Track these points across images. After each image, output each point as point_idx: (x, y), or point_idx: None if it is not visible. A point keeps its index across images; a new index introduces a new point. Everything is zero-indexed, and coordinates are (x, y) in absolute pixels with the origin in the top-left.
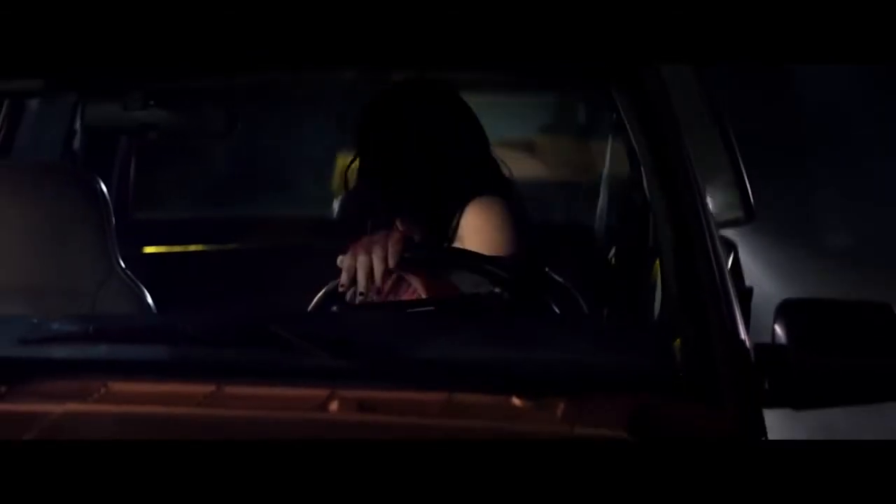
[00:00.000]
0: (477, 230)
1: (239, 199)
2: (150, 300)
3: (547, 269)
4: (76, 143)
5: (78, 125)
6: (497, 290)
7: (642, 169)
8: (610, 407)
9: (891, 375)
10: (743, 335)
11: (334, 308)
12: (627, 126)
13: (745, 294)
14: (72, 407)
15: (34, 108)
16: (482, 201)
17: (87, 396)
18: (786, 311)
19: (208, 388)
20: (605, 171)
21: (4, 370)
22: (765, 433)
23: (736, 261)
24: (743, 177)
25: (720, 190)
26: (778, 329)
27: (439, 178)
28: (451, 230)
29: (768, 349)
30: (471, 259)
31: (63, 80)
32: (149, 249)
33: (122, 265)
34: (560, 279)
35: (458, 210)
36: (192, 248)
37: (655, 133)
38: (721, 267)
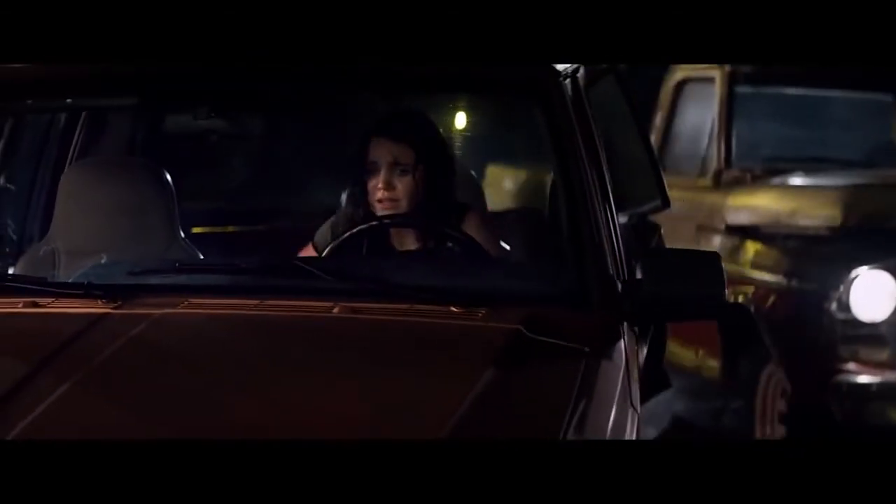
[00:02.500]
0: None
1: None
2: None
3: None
4: (136, 147)
5: (138, 131)
6: (450, 244)
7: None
8: (515, 312)
9: (710, 301)
10: (612, 271)
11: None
12: (541, 131)
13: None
14: (165, 311)
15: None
16: (475, 212)
17: (174, 306)
18: (646, 255)
19: (253, 302)
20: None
21: (120, 291)
22: (621, 336)
23: (659, 237)
24: (660, 172)
25: (641, 182)
26: (639, 267)
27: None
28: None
29: (632, 281)
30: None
31: (152, 97)
32: (196, 230)
33: (182, 235)
34: (504, 242)
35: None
36: (230, 228)
37: (558, 138)
38: (598, 227)
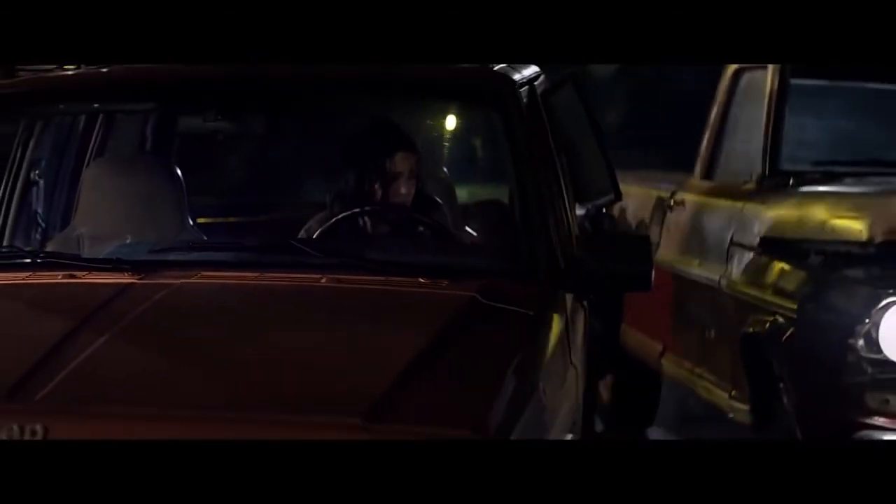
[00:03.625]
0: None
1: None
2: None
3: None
4: (147, 146)
5: (148, 132)
6: (422, 229)
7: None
8: (472, 283)
9: (637, 274)
10: (556, 250)
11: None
12: (498, 132)
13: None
14: (182, 282)
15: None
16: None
17: (189, 277)
18: (586, 238)
19: (254, 274)
20: None
21: (143, 265)
22: (562, 303)
23: (613, 224)
24: (612, 169)
25: (596, 178)
26: (580, 248)
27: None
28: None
29: (574, 258)
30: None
31: (167, 103)
32: (201, 220)
33: (192, 222)
34: (470, 229)
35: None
36: (231, 219)
37: (512, 139)
38: (545, 214)
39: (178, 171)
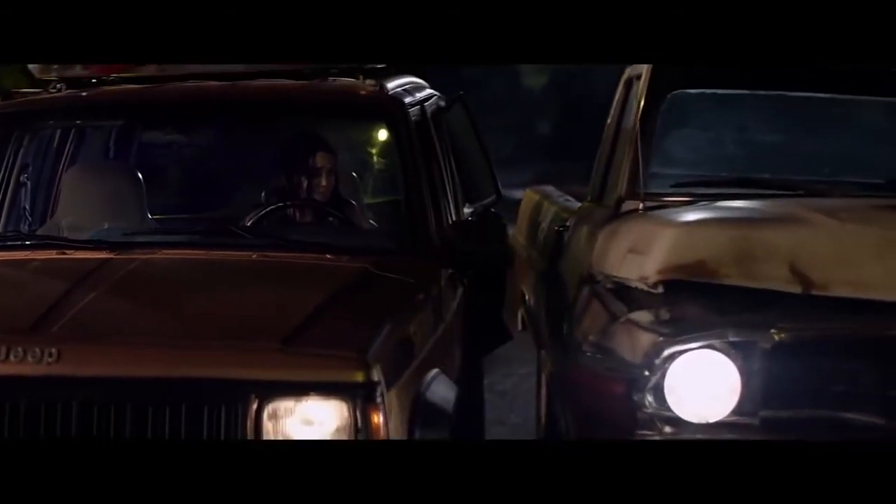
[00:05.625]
0: (350, 211)
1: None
2: None
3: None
4: (111, 154)
5: (112, 143)
6: (331, 219)
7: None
8: (367, 258)
9: (494, 253)
10: (433, 235)
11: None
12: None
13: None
14: (149, 256)
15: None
16: (352, 200)
17: (154, 253)
18: (455, 224)
19: (203, 252)
20: None
21: (119, 245)
22: (436, 275)
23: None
24: (494, 173)
25: (482, 183)
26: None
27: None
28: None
29: (448, 242)
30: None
31: (133, 120)
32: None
33: (150, 216)
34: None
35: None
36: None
37: (400, 150)
38: (424, 207)
39: (140, 175)
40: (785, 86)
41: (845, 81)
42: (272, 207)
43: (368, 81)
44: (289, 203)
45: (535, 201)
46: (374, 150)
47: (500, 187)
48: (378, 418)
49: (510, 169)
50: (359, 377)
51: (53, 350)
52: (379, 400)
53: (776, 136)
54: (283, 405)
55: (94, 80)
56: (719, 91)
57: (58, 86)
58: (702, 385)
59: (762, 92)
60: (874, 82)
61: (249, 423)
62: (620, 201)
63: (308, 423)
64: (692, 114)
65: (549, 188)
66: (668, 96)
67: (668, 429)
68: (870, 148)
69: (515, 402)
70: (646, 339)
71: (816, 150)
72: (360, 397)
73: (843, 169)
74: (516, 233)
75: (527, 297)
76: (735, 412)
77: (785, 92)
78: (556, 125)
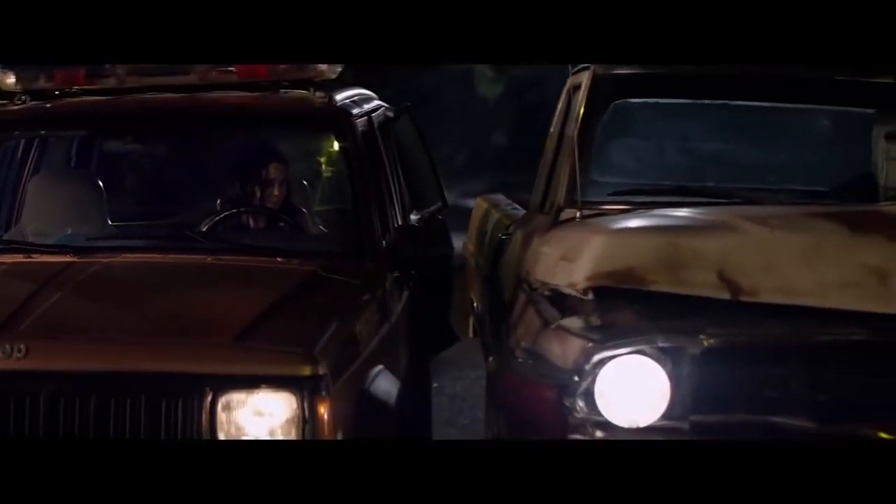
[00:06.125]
0: (301, 218)
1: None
2: None
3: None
4: (72, 163)
5: (73, 152)
6: (282, 224)
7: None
8: (316, 261)
9: (436, 256)
10: (379, 239)
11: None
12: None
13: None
14: (110, 260)
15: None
16: (302, 208)
17: (114, 257)
18: (399, 228)
19: (160, 255)
20: None
21: (82, 249)
22: (382, 277)
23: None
24: (440, 181)
25: (428, 191)
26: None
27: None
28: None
29: (393, 246)
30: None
31: (95, 130)
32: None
33: (111, 222)
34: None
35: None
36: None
37: (347, 158)
38: (370, 213)
39: (100, 183)
40: (728, 95)
41: (788, 90)
42: (226, 214)
43: (318, 93)
44: (242, 210)
45: (484, 209)
46: (323, 159)
47: (445, 195)
48: (324, 410)
49: (466, 178)
50: (306, 371)
51: (22, 346)
52: (325, 393)
53: (719, 145)
54: (236, 397)
55: (57, 93)
56: (662, 100)
57: (22, 97)
58: (632, 390)
59: (705, 101)
60: (817, 91)
61: (204, 415)
62: (559, 210)
63: (259, 414)
64: (635, 123)
65: (499, 197)
66: (611, 106)
67: (598, 433)
68: (814, 156)
69: (465, 404)
70: (576, 344)
71: (760, 159)
72: (307, 390)
73: (789, 177)
74: (467, 241)
75: (475, 304)
76: (665, 416)
77: (728, 101)
78: (511, 135)
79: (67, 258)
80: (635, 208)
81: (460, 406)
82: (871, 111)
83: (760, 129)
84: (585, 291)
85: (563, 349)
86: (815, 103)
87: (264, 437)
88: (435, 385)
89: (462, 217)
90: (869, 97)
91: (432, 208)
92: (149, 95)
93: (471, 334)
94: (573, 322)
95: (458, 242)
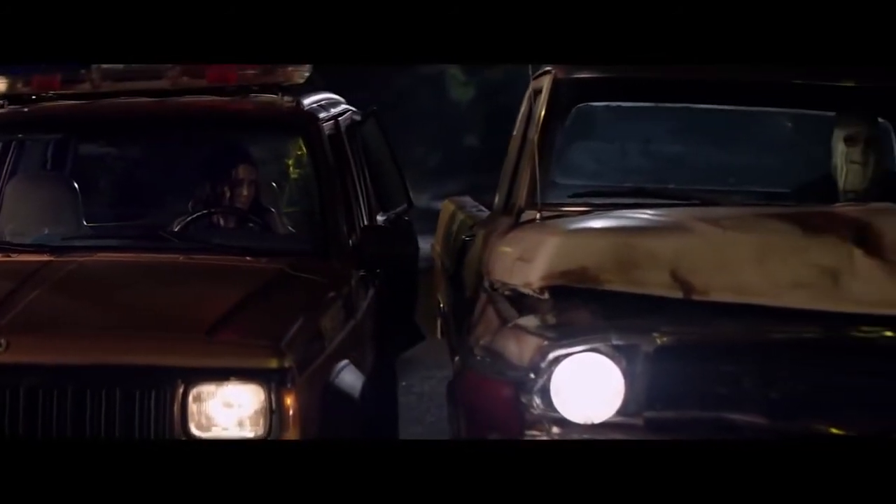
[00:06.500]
0: (269, 218)
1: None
2: None
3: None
4: (49, 166)
5: (48, 155)
6: (252, 225)
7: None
8: (284, 260)
9: (400, 255)
10: (345, 239)
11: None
12: (307, 156)
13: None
14: (85, 258)
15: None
16: (272, 208)
17: (90, 256)
18: (364, 228)
19: (134, 254)
20: None
21: (59, 249)
22: (348, 275)
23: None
24: (406, 183)
25: (394, 192)
26: (362, 236)
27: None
28: None
29: (359, 245)
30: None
31: (70, 134)
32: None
33: (85, 223)
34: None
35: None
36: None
37: (314, 160)
38: (336, 214)
39: (76, 185)
40: (689, 98)
41: (749, 94)
42: (198, 214)
43: (286, 98)
44: (213, 210)
45: (451, 211)
46: (291, 162)
47: (411, 196)
48: (291, 401)
49: (439, 180)
50: (273, 364)
51: (3, 340)
52: (291, 385)
53: (681, 148)
54: (206, 389)
55: (33, 98)
56: (624, 104)
57: (0, 102)
58: (586, 387)
59: (667, 105)
60: (778, 94)
61: (176, 406)
62: (520, 211)
63: (228, 405)
64: (597, 126)
65: (465, 199)
66: (573, 109)
67: (555, 429)
68: (776, 158)
69: (432, 403)
70: (532, 343)
71: (722, 161)
72: (274, 382)
73: (750, 179)
74: (434, 242)
75: (441, 305)
76: (620, 413)
77: (690, 104)
78: (483, 137)
79: (45, 257)
80: (595, 210)
81: (427, 405)
82: (831, 114)
83: (722, 132)
84: (541, 291)
85: (520, 347)
86: (776, 106)
87: (234, 427)
88: (403, 384)
89: (434, 219)
90: (828, 100)
91: (398, 209)
92: (122, 100)
93: (439, 335)
94: (530, 321)
95: (429, 244)
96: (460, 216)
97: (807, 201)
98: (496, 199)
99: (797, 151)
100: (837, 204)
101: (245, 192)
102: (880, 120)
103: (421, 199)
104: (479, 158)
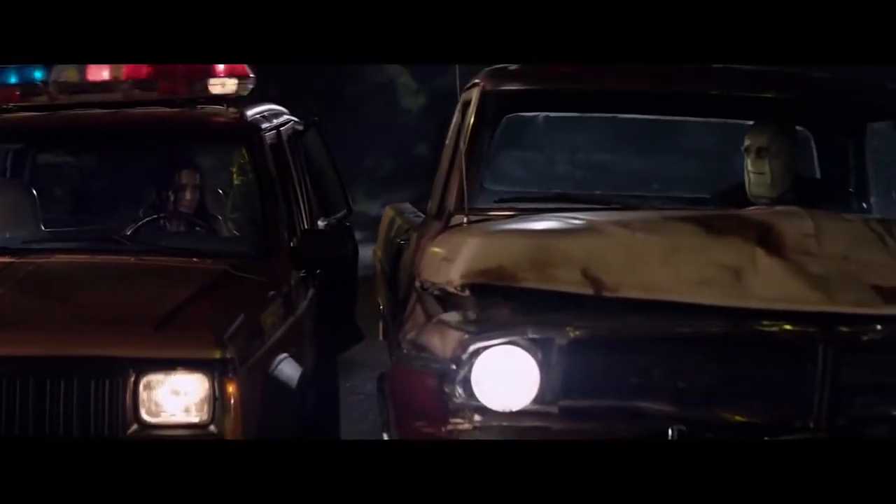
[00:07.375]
0: (214, 222)
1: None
2: None
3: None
4: (8, 174)
5: (8, 164)
6: (198, 228)
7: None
8: (227, 260)
9: (336, 257)
10: (285, 241)
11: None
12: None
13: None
14: (45, 260)
15: None
16: (216, 213)
17: (49, 257)
18: (303, 232)
19: (88, 255)
20: None
21: (19, 251)
22: (287, 275)
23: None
24: (345, 190)
25: (334, 198)
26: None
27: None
28: None
29: (299, 248)
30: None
31: (30, 143)
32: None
33: (43, 228)
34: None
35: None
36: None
37: (256, 168)
38: (277, 218)
39: (34, 191)
40: (615, 109)
41: (672, 104)
42: (148, 219)
43: (231, 109)
44: (162, 215)
45: (391, 217)
46: (235, 170)
47: (350, 202)
48: (233, 389)
49: (390, 188)
50: (216, 355)
51: None
52: (232, 374)
53: (608, 156)
54: (156, 378)
55: None
56: (552, 114)
57: None
58: (505, 377)
59: (594, 114)
60: (698, 105)
61: (128, 394)
62: (449, 215)
63: (176, 393)
64: (528, 135)
65: (406, 205)
66: (503, 119)
67: (476, 417)
68: (697, 165)
69: (375, 402)
70: (455, 336)
71: (647, 169)
72: (217, 371)
73: (673, 186)
74: (376, 247)
75: (382, 307)
76: (536, 401)
77: (616, 114)
78: (434, 145)
79: (6, 259)
80: (519, 214)
81: (370, 404)
82: (750, 123)
83: (648, 141)
84: (462, 288)
85: (444, 341)
86: (697, 116)
87: (180, 413)
88: (348, 385)
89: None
90: (746, 111)
91: (339, 214)
92: (78, 111)
93: (381, 336)
94: (452, 316)
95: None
96: (398, 221)
97: (723, 205)
98: (429, 205)
99: (720, 159)
100: (747, 208)
101: (188, 196)
102: (799, 129)
103: (372, 207)
104: (430, 167)
